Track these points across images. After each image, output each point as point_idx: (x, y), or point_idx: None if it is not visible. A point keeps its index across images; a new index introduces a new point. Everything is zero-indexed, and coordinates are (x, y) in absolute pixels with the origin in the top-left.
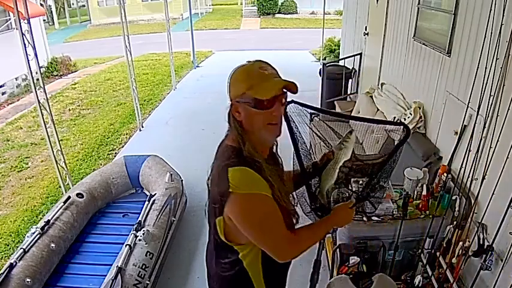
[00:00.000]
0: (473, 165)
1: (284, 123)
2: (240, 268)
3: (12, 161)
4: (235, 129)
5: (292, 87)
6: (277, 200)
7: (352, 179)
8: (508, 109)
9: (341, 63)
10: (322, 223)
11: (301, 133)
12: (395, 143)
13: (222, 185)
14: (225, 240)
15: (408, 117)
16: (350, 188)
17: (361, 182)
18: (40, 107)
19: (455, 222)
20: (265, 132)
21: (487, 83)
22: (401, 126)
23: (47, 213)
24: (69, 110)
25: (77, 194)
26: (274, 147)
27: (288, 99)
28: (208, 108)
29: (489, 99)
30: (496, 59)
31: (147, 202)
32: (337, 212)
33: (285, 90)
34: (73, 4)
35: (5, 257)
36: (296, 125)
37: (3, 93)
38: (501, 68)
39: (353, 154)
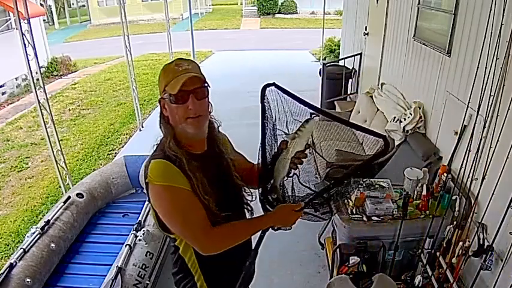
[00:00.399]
0: (473, 165)
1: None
2: (178, 256)
3: (12, 161)
4: (160, 124)
5: (196, 83)
6: (198, 195)
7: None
8: (508, 109)
9: (341, 63)
10: (257, 220)
11: (275, 121)
12: (371, 155)
13: (145, 176)
14: (161, 229)
15: (408, 117)
16: (308, 188)
17: (313, 187)
18: (40, 107)
19: (455, 222)
20: (186, 126)
21: (487, 83)
22: (381, 139)
23: (47, 213)
24: (69, 110)
25: (77, 194)
26: (220, 143)
27: (270, 82)
28: None
29: (489, 99)
30: (496, 59)
31: (147, 202)
32: (279, 211)
33: (205, 84)
34: (73, 4)
35: (5, 257)
36: (271, 112)
37: (3, 93)
38: (501, 68)
39: (308, 145)
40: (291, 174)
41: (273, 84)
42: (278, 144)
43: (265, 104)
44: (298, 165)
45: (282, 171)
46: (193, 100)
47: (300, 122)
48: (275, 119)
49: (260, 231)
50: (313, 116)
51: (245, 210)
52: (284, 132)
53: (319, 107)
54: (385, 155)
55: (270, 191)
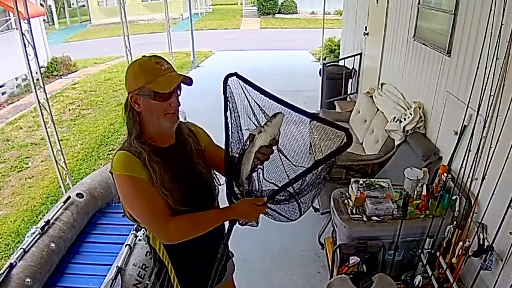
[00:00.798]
0: (473, 165)
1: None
2: (150, 246)
3: (12, 161)
4: (127, 120)
5: (187, 81)
6: (156, 188)
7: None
8: (508, 109)
9: (341, 63)
10: (218, 212)
11: (239, 111)
12: (331, 151)
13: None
14: (129, 217)
15: (408, 117)
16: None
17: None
18: (40, 107)
19: (455, 222)
20: (164, 121)
21: (487, 83)
22: (343, 133)
23: (47, 213)
24: (69, 110)
25: (77, 194)
26: (186, 134)
27: (232, 72)
28: (208, 108)
29: (489, 99)
30: (496, 59)
31: None
32: (240, 205)
33: (181, 82)
34: (73, 4)
35: (5, 257)
36: (235, 102)
37: (3, 93)
38: (501, 68)
39: (274, 140)
40: (256, 169)
41: (235, 74)
42: (245, 137)
43: (229, 95)
44: (263, 161)
45: (247, 164)
46: (175, 97)
47: (267, 113)
48: (240, 112)
49: (228, 225)
50: (280, 111)
51: (215, 202)
52: (253, 123)
53: (319, 107)
54: (347, 148)
55: (236, 184)
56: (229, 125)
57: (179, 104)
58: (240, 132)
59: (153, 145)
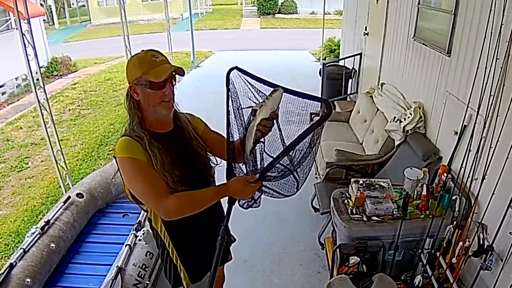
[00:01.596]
0: (473, 165)
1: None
2: (153, 229)
3: (12, 161)
4: (128, 108)
5: (180, 71)
6: (156, 171)
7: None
8: (508, 109)
9: (341, 63)
10: (213, 189)
11: (240, 102)
12: (315, 120)
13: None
14: (132, 200)
15: (408, 117)
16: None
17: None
18: (40, 107)
19: (455, 222)
20: (160, 108)
21: (487, 83)
22: (323, 103)
23: (47, 213)
24: (69, 110)
25: (77, 194)
26: (183, 121)
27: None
28: (208, 108)
29: (489, 99)
30: (496, 59)
31: None
32: (233, 182)
33: (174, 73)
34: (73, 4)
35: (5, 257)
36: (236, 92)
37: (3, 93)
38: (501, 68)
39: (274, 113)
40: (258, 142)
41: (236, 67)
42: (246, 121)
43: (231, 87)
44: (264, 134)
45: (250, 138)
46: (169, 86)
47: (266, 94)
48: (241, 98)
49: (227, 207)
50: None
51: (212, 182)
52: (254, 103)
53: (319, 107)
54: (328, 117)
55: (236, 166)
56: (231, 114)
57: (174, 94)
58: (242, 117)
59: (152, 131)
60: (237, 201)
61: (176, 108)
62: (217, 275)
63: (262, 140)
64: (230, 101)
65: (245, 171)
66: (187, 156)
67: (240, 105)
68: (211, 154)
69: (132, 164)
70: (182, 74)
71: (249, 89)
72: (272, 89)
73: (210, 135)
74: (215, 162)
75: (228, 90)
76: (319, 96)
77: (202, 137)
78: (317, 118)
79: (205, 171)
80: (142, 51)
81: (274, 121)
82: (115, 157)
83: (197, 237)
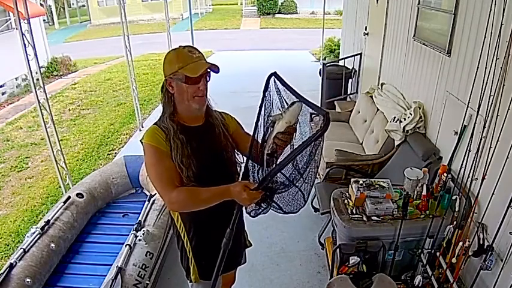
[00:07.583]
0: (473, 165)
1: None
2: (170, 216)
3: (12, 161)
4: (162, 100)
5: (215, 68)
6: (175, 162)
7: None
8: (508, 109)
9: (341, 63)
10: (217, 190)
11: (273, 106)
12: (315, 120)
13: None
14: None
15: (408, 117)
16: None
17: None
18: (40, 107)
19: (455, 222)
20: (193, 103)
21: (487, 83)
22: (323, 115)
23: (47, 213)
24: (69, 110)
25: (77, 194)
26: (215, 118)
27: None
28: None
29: (489, 99)
30: (496, 59)
31: (147, 202)
32: (234, 185)
33: (209, 70)
34: (73, 4)
35: (5, 257)
36: (270, 97)
37: (3, 93)
38: (501, 68)
39: (291, 128)
40: (275, 155)
41: (274, 73)
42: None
43: (267, 93)
44: (281, 147)
45: (265, 149)
46: (204, 82)
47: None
48: (273, 109)
49: (236, 209)
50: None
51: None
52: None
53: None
54: (326, 130)
55: (252, 171)
56: (260, 120)
57: (207, 90)
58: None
59: (182, 124)
60: (244, 208)
61: (209, 104)
62: (228, 277)
63: (276, 154)
64: (264, 107)
65: (252, 179)
66: (212, 151)
67: (270, 112)
68: (239, 153)
69: (152, 151)
70: (217, 71)
71: (278, 97)
72: (292, 101)
73: (240, 135)
74: (241, 161)
75: (264, 96)
76: (319, 95)
77: (232, 135)
78: (317, 118)
79: (230, 168)
80: (180, 46)
81: (293, 135)
82: (141, 141)
83: (212, 236)
